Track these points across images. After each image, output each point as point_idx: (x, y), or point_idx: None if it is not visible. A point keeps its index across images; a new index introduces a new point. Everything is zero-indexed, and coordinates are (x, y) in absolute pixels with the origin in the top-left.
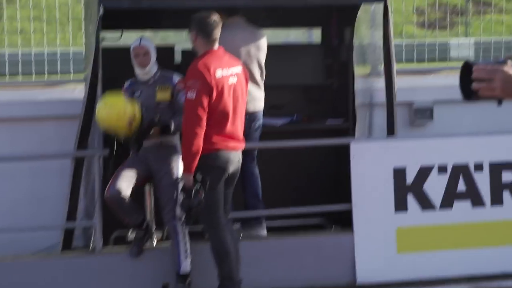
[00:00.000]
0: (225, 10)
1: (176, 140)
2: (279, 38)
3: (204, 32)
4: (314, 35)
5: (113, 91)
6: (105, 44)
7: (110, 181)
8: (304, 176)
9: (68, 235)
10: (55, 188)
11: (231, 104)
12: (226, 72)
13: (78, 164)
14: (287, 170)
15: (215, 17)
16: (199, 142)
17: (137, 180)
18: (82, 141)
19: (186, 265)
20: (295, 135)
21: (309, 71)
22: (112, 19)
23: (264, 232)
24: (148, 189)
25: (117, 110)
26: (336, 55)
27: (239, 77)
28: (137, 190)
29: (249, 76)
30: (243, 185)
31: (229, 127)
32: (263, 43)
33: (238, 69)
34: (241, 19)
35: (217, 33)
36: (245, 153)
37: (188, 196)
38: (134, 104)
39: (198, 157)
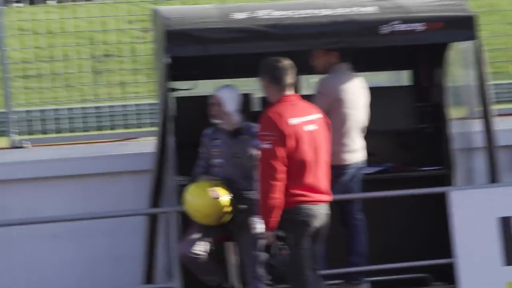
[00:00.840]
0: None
1: (257, 193)
2: (366, 82)
3: (276, 78)
4: (403, 77)
5: (199, 185)
6: (179, 93)
7: (183, 237)
8: (401, 228)
9: None
10: (132, 246)
11: (312, 153)
12: (302, 119)
13: (153, 222)
14: (382, 221)
15: (287, 62)
16: (277, 196)
17: (214, 236)
18: (156, 197)
19: None
20: (389, 184)
21: (400, 116)
22: (184, 68)
23: None
24: (230, 246)
25: (203, 213)
26: (428, 98)
27: (319, 124)
28: (220, 246)
29: (359, 125)
30: (348, 242)
31: (310, 178)
32: (367, 90)
33: (316, 116)
34: (348, 65)
35: (290, 78)
36: (351, 205)
37: (271, 254)
38: (221, 202)
39: (278, 212)
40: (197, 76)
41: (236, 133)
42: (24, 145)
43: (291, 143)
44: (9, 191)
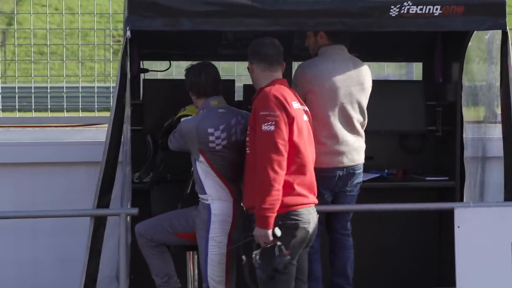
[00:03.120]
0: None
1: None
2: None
3: (265, 58)
4: (415, 70)
5: None
6: (149, 76)
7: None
8: (394, 246)
9: None
10: (81, 246)
11: (308, 147)
12: (298, 105)
13: (99, 224)
14: (375, 238)
15: (274, 41)
16: (280, 186)
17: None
18: (104, 196)
19: None
20: (385, 194)
21: (406, 115)
22: (160, 47)
23: None
24: (190, 255)
25: None
26: (441, 96)
27: (309, 117)
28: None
29: (347, 122)
30: (330, 259)
31: (309, 175)
32: (368, 80)
33: (305, 106)
34: (343, 47)
35: (279, 59)
36: (338, 218)
37: (270, 257)
38: None
39: (277, 206)
40: (171, 56)
41: None
42: None
43: (296, 129)
44: None
